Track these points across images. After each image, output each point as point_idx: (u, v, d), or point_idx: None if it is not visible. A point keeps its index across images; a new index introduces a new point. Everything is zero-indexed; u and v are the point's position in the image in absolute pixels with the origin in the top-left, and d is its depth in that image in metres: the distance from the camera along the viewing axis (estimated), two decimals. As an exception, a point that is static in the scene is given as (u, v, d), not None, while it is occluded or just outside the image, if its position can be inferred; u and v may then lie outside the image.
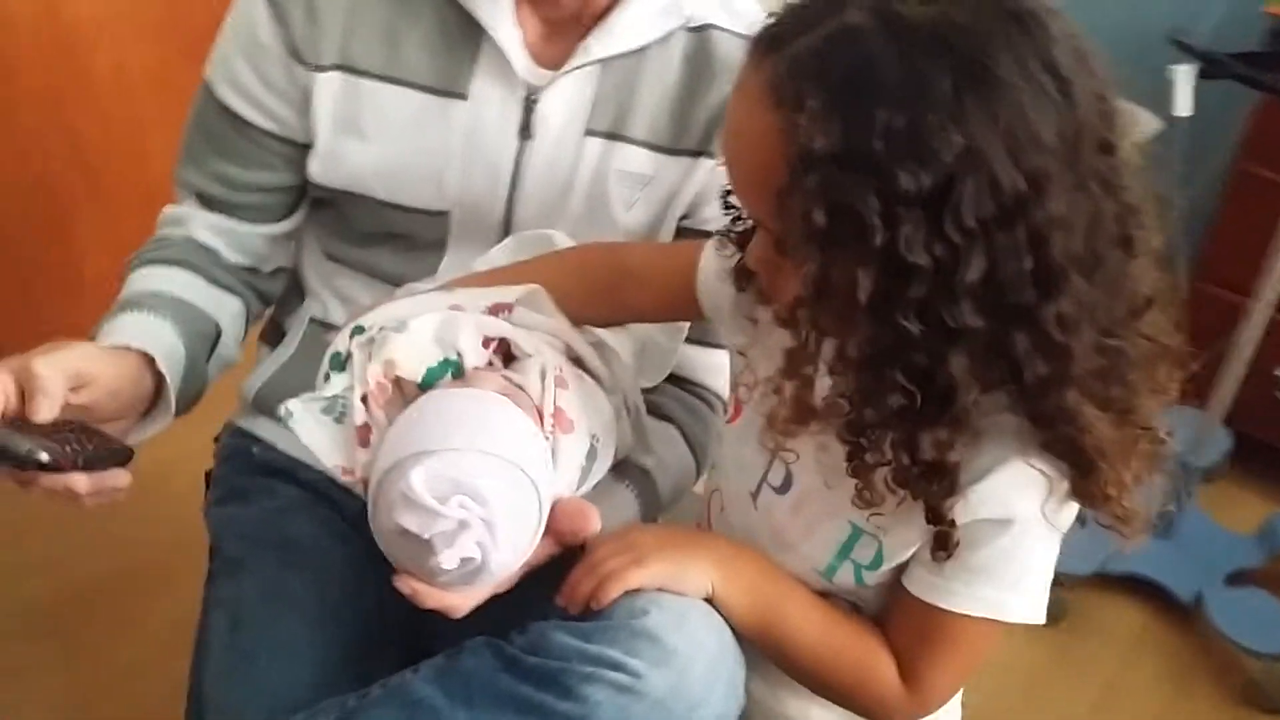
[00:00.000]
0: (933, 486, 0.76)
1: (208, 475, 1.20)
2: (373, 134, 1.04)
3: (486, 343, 0.88)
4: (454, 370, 0.86)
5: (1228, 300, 2.06)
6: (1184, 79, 1.76)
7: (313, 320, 1.16)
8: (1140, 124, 0.75)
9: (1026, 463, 0.77)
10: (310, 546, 1.03)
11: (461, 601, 0.81)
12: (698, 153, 1.06)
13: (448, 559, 0.74)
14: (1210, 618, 1.92)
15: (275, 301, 1.22)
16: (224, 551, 1.07)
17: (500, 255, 1.07)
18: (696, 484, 1.10)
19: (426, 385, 0.85)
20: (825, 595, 0.89)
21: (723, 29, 1.05)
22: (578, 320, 0.99)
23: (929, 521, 0.78)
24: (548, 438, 0.84)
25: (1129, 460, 0.76)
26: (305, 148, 1.07)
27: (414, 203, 1.07)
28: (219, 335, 1.08)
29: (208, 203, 1.11)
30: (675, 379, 1.14)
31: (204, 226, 1.11)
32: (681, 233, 1.09)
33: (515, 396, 0.84)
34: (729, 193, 0.82)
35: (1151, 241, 0.75)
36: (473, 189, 1.06)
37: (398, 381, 0.85)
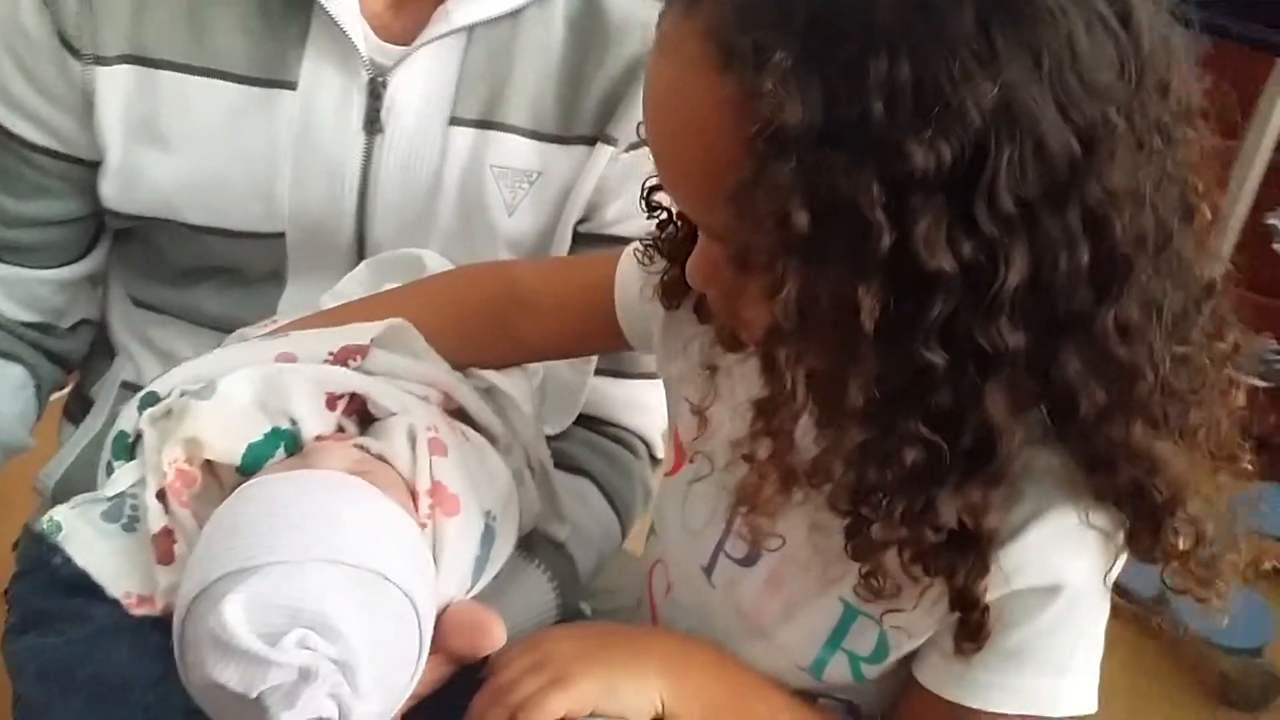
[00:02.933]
0: (963, 563, 0.57)
1: (4, 594, 0.95)
2: (178, 141, 0.85)
3: (332, 402, 0.67)
4: (288, 444, 0.65)
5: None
6: None
7: (124, 385, 0.95)
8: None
9: (1078, 517, 0.59)
10: (130, 685, 0.79)
11: None
12: (593, 139, 0.86)
13: None
14: (1179, 614, 1.79)
15: (79, 365, 1.00)
16: (23, 696, 0.84)
17: (353, 286, 0.87)
18: (622, 546, 0.89)
19: (249, 469, 0.63)
20: (811, 697, 0.69)
21: None
22: (458, 364, 0.80)
23: (954, 608, 0.59)
24: (424, 524, 0.63)
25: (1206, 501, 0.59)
26: (94, 167, 0.87)
27: (238, 224, 0.87)
28: None
29: None
30: (585, 419, 0.94)
31: None
32: (581, 240, 0.89)
33: (376, 474, 0.63)
34: (655, 189, 0.65)
35: (1209, 203, 0.57)
36: (311, 202, 0.86)
37: (210, 467, 0.63)
